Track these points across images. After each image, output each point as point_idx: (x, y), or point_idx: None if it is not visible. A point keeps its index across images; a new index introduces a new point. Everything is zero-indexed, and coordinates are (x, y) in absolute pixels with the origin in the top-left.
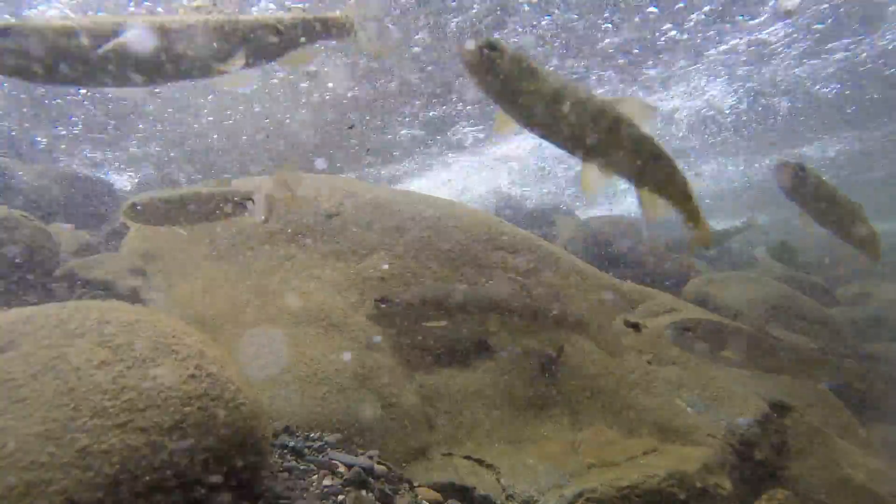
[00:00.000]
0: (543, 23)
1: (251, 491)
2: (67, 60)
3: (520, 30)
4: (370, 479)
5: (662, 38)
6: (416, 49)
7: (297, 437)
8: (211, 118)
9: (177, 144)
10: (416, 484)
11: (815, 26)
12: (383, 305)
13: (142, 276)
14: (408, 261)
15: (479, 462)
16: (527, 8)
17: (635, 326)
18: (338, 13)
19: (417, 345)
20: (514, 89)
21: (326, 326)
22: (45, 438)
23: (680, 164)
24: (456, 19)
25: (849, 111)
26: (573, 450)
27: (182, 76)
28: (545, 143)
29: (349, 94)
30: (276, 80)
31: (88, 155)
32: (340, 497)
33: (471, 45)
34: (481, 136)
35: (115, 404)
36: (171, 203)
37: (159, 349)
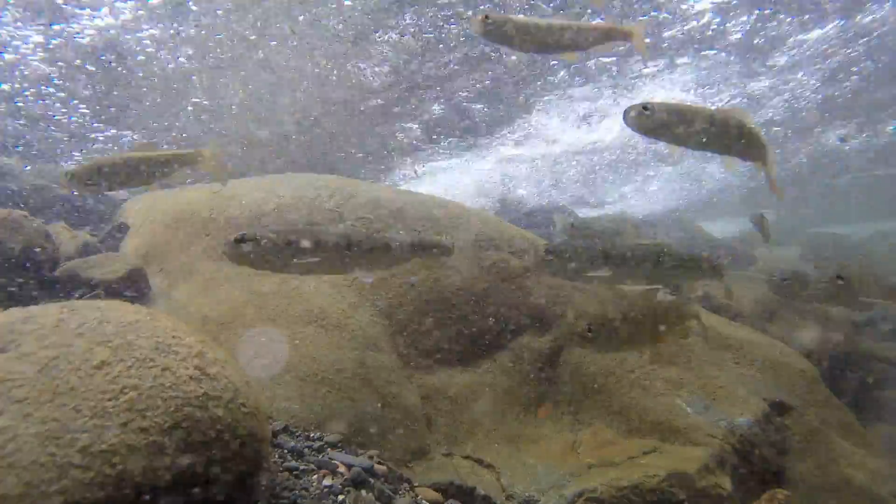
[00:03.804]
0: None
1: (251, 491)
2: None
3: None
4: (370, 479)
5: None
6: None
7: (297, 437)
8: (208, 118)
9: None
10: (416, 484)
11: None
12: (245, 246)
13: (143, 275)
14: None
15: (479, 462)
16: None
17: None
18: None
19: (418, 345)
20: None
21: (326, 326)
22: (45, 438)
23: None
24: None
25: None
26: (573, 450)
27: None
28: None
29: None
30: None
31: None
32: (340, 497)
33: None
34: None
35: (115, 404)
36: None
37: (159, 349)
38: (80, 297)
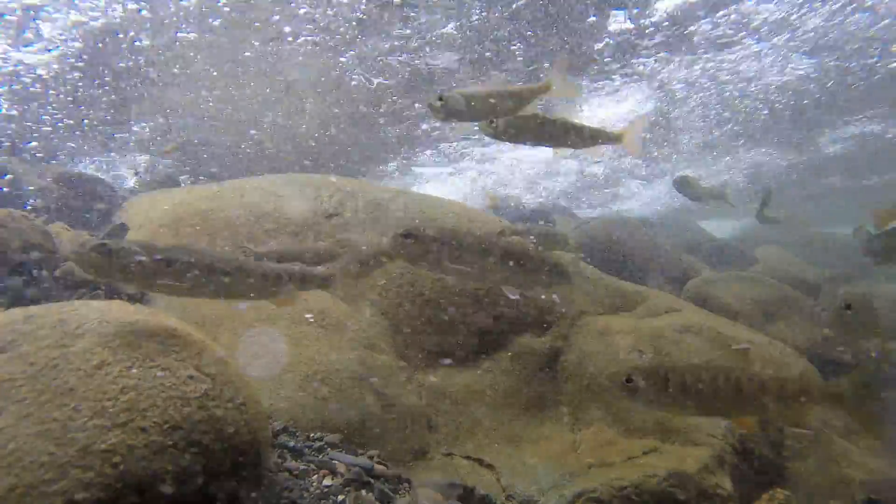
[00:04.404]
0: None
1: (251, 491)
2: None
3: None
4: (370, 479)
5: None
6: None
7: (297, 437)
8: (210, 118)
9: (177, 143)
10: (416, 484)
11: None
12: (98, 256)
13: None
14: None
15: (480, 462)
16: None
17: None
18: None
19: (417, 345)
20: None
21: (326, 326)
22: (45, 438)
23: None
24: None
25: None
26: (573, 450)
27: None
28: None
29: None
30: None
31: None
32: (340, 497)
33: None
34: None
35: (115, 404)
36: None
37: (159, 349)
38: (80, 297)
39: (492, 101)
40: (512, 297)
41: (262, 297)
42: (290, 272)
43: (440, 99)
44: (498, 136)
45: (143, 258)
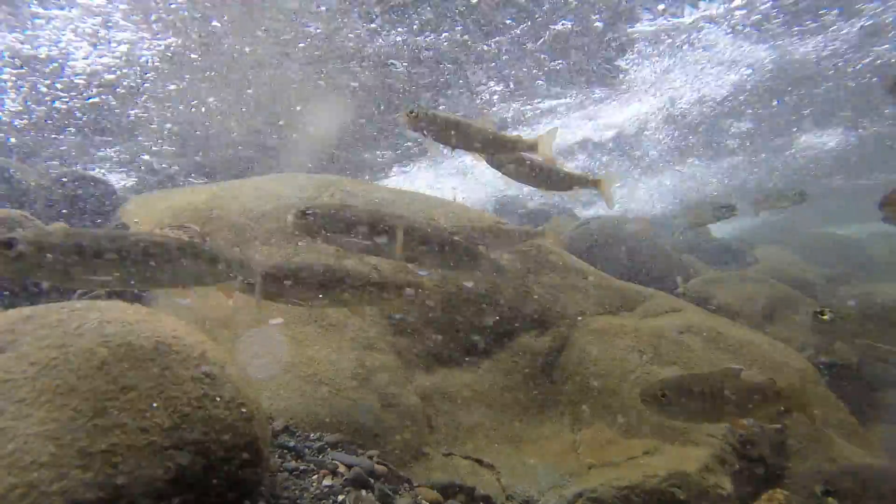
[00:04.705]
0: None
1: (251, 491)
2: None
3: None
4: (370, 479)
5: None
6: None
7: (297, 437)
8: (210, 119)
9: (176, 145)
10: (416, 484)
11: None
12: (9, 252)
13: None
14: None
15: (479, 462)
16: None
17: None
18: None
19: (418, 344)
20: None
21: (326, 326)
22: (45, 438)
23: None
24: None
25: None
26: (573, 450)
27: None
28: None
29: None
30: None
31: (92, 154)
32: (340, 497)
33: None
34: None
35: (116, 405)
36: None
37: (159, 349)
38: (81, 297)
39: (454, 130)
40: (421, 274)
41: (203, 283)
42: (230, 257)
43: (411, 112)
44: (497, 169)
45: (53, 251)
